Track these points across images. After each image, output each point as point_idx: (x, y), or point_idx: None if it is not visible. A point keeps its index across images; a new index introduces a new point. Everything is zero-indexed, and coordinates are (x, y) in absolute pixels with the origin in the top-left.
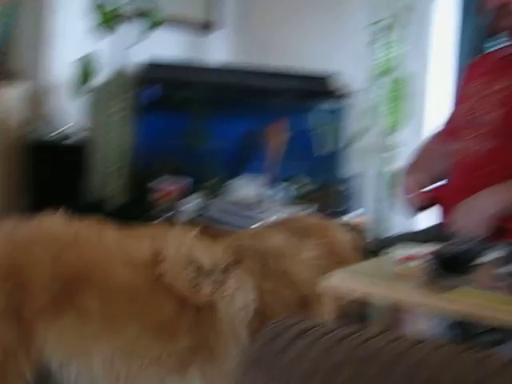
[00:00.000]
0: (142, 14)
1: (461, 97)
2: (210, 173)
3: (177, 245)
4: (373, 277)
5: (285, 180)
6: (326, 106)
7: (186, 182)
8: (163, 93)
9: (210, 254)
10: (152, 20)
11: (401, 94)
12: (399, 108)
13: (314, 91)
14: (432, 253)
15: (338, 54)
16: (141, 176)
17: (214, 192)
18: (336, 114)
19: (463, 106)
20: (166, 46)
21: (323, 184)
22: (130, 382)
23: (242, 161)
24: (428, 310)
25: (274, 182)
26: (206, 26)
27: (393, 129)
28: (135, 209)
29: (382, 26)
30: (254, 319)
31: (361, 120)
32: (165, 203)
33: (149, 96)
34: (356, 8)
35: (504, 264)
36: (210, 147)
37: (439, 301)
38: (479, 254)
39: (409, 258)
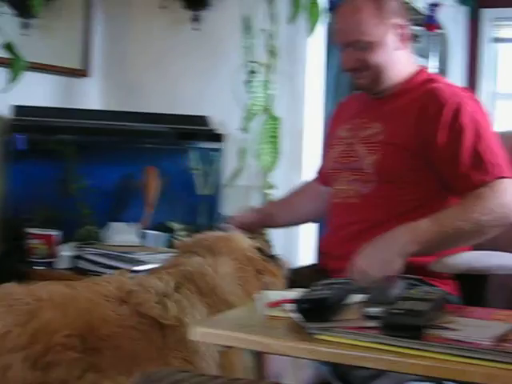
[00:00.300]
0: (6, 63)
1: (332, 140)
2: (85, 219)
3: (126, 279)
4: (241, 324)
5: (162, 223)
6: (204, 147)
7: (60, 229)
8: (35, 139)
9: (156, 280)
10: (16, 68)
11: (277, 133)
12: (276, 147)
13: (191, 133)
14: (298, 298)
15: (213, 94)
16: (14, 225)
17: (90, 238)
18: (213, 155)
19: (336, 149)
20: (37, 92)
21: (202, 225)
22: None
23: (118, 206)
24: (297, 355)
25: (151, 225)
26: (78, 73)
27: (270, 168)
28: (11, 258)
29: (257, 66)
30: None
31: (238, 160)
32: (41, 251)
33: (20, 142)
34: (230, 48)
35: (370, 305)
36: (84, 193)
37: (307, 345)
38: (345, 296)
39: (278, 303)
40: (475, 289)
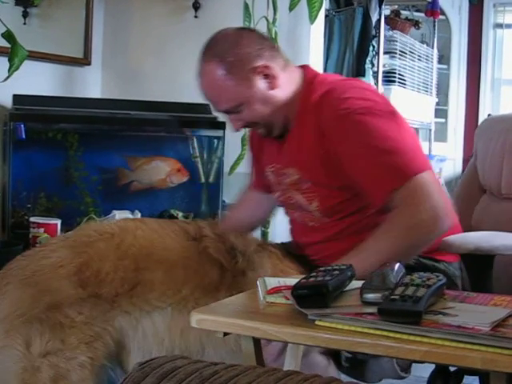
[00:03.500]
0: (6, 52)
1: (263, 171)
2: (87, 206)
3: (212, 228)
4: (239, 310)
5: (166, 210)
6: (205, 134)
7: (63, 217)
8: (36, 128)
9: (240, 238)
10: (17, 57)
11: None
12: None
13: (192, 121)
14: (297, 284)
15: None
16: (17, 213)
17: None
18: (215, 143)
19: (274, 191)
20: (37, 81)
21: (205, 213)
22: (186, 331)
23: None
24: (295, 340)
25: (154, 213)
26: (79, 62)
27: None
28: (14, 246)
29: None
30: None
31: (240, 147)
32: (43, 240)
33: (20, 131)
34: None
35: (369, 291)
36: (86, 182)
37: (305, 331)
38: (344, 282)
39: (278, 289)
40: (481, 269)
